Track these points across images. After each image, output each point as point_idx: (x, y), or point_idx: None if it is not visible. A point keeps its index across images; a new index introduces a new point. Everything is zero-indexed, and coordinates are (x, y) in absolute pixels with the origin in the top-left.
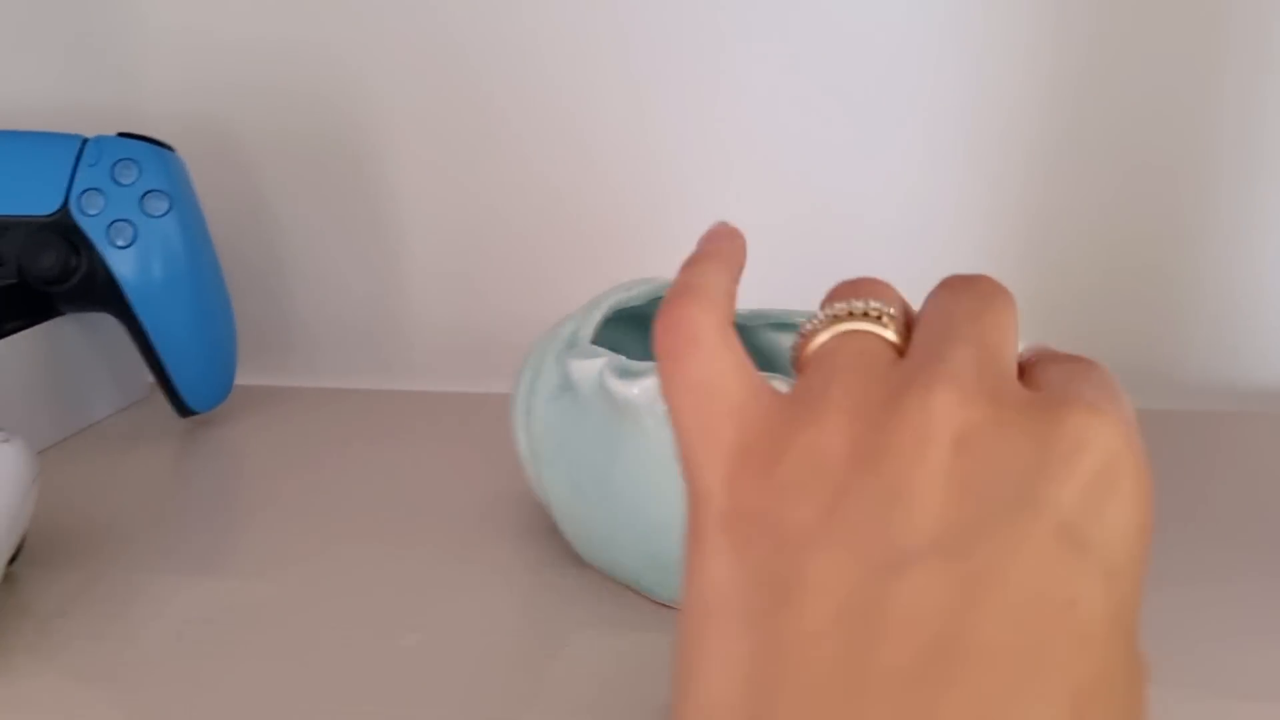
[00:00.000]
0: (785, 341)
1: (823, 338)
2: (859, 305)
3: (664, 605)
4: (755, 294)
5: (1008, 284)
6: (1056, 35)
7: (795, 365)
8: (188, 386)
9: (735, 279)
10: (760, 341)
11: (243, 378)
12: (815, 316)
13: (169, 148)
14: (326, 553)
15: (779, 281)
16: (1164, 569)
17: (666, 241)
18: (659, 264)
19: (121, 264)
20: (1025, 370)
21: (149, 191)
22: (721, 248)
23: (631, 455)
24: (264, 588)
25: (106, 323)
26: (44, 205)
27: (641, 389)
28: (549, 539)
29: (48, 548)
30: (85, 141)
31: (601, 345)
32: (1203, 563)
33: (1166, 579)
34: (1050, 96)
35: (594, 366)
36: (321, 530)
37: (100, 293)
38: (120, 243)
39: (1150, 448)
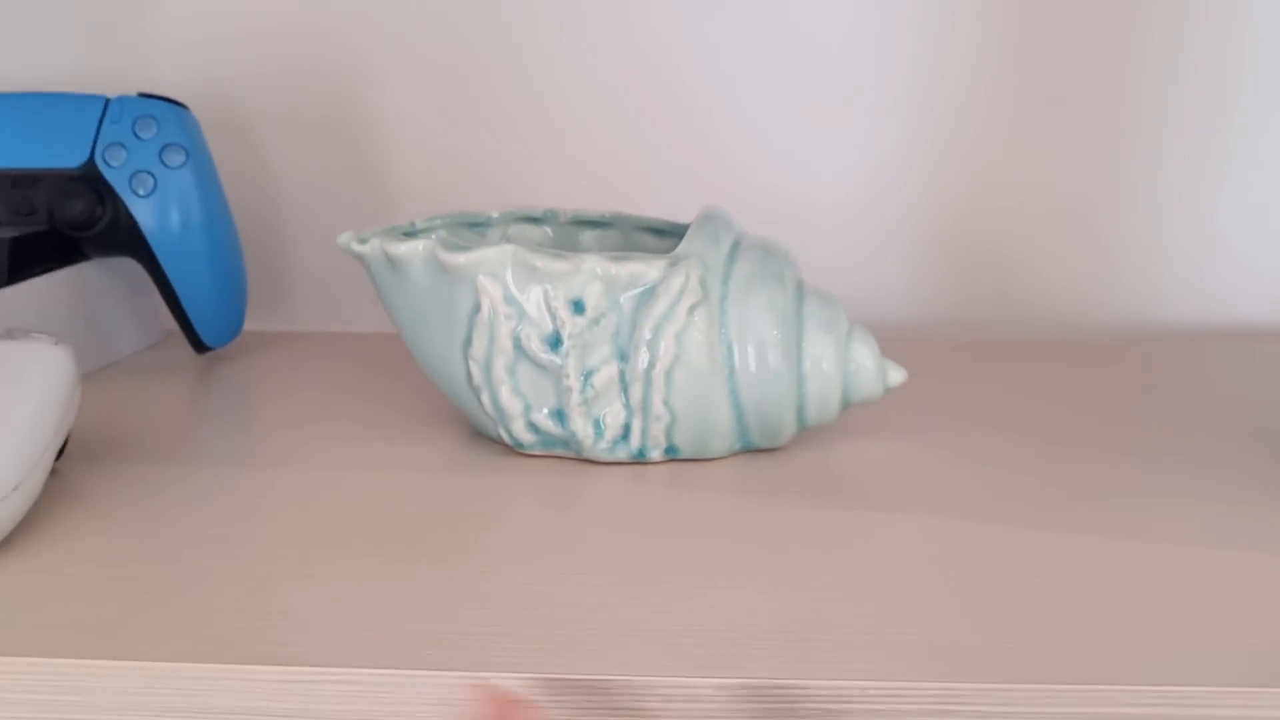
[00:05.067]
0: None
1: None
2: None
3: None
4: None
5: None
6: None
7: None
8: (204, 324)
9: None
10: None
11: (248, 323)
12: None
13: (184, 106)
14: (339, 448)
15: None
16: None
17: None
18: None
19: (143, 211)
20: None
21: (167, 145)
22: None
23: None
24: (284, 475)
25: (129, 267)
26: (72, 158)
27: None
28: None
29: (87, 449)
30: (109, 101)
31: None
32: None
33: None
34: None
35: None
36: (333, 430)
37: (124, 238)
38: (141, 192)
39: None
